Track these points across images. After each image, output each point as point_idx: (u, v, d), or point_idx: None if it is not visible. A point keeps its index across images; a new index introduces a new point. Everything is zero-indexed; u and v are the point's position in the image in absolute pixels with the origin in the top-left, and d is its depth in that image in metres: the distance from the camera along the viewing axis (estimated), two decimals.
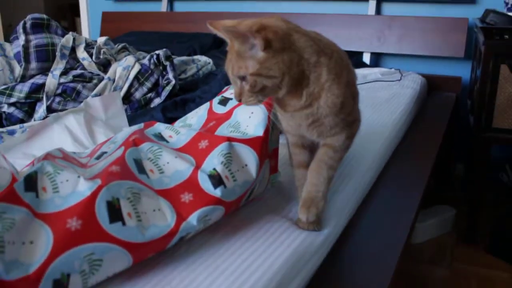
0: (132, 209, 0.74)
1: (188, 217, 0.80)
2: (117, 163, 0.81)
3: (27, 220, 0.69)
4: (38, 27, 1.60)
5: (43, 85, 1.51)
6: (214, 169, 0.84)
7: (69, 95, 1.51)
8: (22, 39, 1.56)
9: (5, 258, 0.61)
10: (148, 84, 1.57)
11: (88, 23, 3.38)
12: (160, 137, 0.97)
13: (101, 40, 1.67)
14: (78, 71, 1.56)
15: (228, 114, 1.01)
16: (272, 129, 0.96)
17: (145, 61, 1.59)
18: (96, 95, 1.51)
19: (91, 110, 1.36)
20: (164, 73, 1.57)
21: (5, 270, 0.60)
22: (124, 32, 3.06)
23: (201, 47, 2.55)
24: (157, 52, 1.58)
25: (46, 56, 1.57)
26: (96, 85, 1.55)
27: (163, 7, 3.07)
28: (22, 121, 1.51)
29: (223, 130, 0.98)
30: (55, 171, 0.78)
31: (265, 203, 1.00)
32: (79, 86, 1.52)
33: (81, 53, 1.61)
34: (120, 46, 1.81)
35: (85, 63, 1.60)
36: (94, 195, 0.72)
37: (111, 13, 3.22)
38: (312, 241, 0.90)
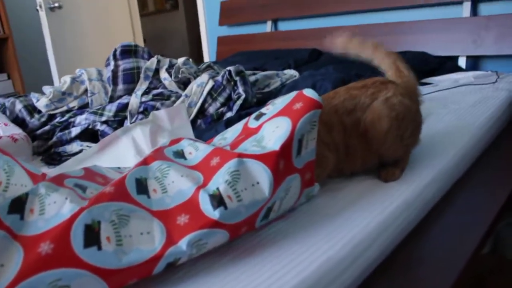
0: (113, 233, 0.65)
1: (179, 241, 0.66)
2: (114, 184, 0.73)
3: (3, 243, 0.60)
4: (126, 53, 1.59)
5: (128, 104, 1.46)
6: (217, 188, 0.71)
7: (150, 113, 1.44)
8: (112, 64, 1.56)
9: None
10: (221, 99, 1.45)
11: (208, 48, 3.41)
12: (181, 154, 0.84)
13: (180, 60, 1.60)
14: (158, 90, 1.51)
15: (258, 128, 0.86)
16: (306, 141, 0.81)
17: (219, 77, 1.48)
18: None
19: (158, 121, 1.28)
20: (235, 88, 1.43)
21: None
22: (235, 52, 3.01)
23: (295, 61, 2.39)
24: (229, 68, 1.45)
25: (132, 78, 1.54)
26: (174, 102, 1.48)
27: (268, 27, 2.95)
28: None
29: (247, 144, 0.83)
30: (47, 192, 0.68)
31: (294, 221, 0.80)
32: (158, 104, 1.45)
33: (163, 74, 1.56)
34: (205, 65, 1.72)
35: (166, 82, 1.54)
36: (73, 217, 0.64)
37: (224, 37, 3.20)
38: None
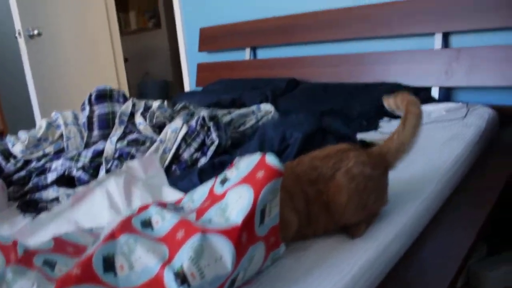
0: None
1: None
2: (81, 264, 0.75)
3: None
4: (101, 98, 1.61)
5: (103, 150, 1.48)
6: (181, 265, 0.73)
7: (125, 159, 1.46)
8: (87, 110, 1.58)
9: None
10: (195, 145, 1.48)
11: (188, 74, 3.44)
12: (148, 223, 0.86)
13: (155, 104, 1.62)
14: (133, 136, 1.53)
15: (222, 196, 0.88)
16: (269, 209, 0.85)
17: (193, 122, 1.50)
18: None
19: (132, 172, 1.30)
20: (209, 133, 1.46)
21: None
22: (215, 79, 3.04)
23: (273, 92, 2.42)
24: (202, 113, 1.48)
25: (107, 124, 1.56)
26: (148, 147, 1.50)
27: (247, 55, 3.00)
28: (88, 182, 1.49)
29: (211, 212, 0.86)
30: (14, 278, 0.69)
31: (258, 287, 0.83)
32: (133, 150, 1.48)
33: (138, 118, 1.58)
34: (180, 106, 1.74)
35: (141, 127, 1.56)
36: None
37: (204, 64, 3.23)
38: None
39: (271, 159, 0.88)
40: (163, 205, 0.95)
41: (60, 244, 0.87)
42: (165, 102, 1.69)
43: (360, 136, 1.73)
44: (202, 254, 0.75)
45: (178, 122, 1.51)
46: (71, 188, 1.49)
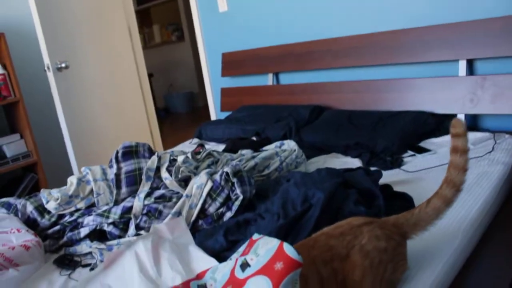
0: None
1: None
2: None
3: None
4: (127, 154, 1.67)
5: (131, 207, 1.54)
6: None
7: (153, 215, 1.52)
8: (114, 167, 1.64)
9: None
10: (220, 199, 1.52)
11: (212, 99, 3.49)
12: None
13: (180, 159, 1.67)
14: (160, 192, 1.58)
15: (243, 282, 0.91)
16: None
17: (217, 177, 1.55)
18: (176, 212, 1.50)
19: (159, 233, 1.36)
20: (233, 188, 1.50)
21: None
22: (239, 103, 3.09)
23: (296, 122, 2.44)
24: (226, 169, 1.52)
25: (134, 181, 1.61)
26: (175, 203, 1.55)
27: (269, 80, 3.02)
28: (119, 237, 1.55)
29: None
30: None
31: None
32: (160, 206, 1.53)
33: (164, 173, 1.63)
34: (205, 154, 1.79)
35: (167, 182, 1.61)
36: None
37: (227, 88, 3.28)
38: None
39: (290, 250, 0.91)
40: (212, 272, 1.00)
41: None
42: (189, 154, 1.74)
43: (384, 175, 1.74)
44: None
45: (203, 177, 1.55)
46: (103, 243, 1.56)
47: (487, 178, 1.59)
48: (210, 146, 2.70)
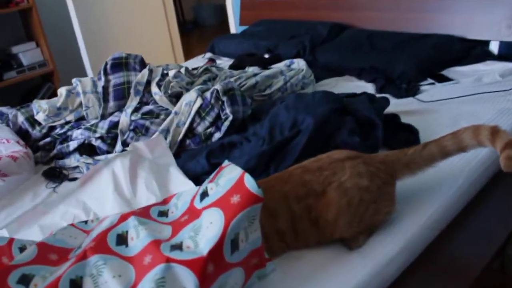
0: None
1: None
2: None
3: None
4: (117, 66, 1.57)
5: (118, 122, 1.47)
6: None
7: (140, 131, 1.45)
8: (102, 80, 1.55)
9: None
10: (209, 119, 1.43)
11: (232, 13, 3.29)
12: (123, 240, 0.85)
13: (171, 73, 1.55)
14: (148, 107, 1.50)
15: (199, 213, 0.84)
16: (245, 234, 0.82)
17: (208, 94, 1.43)
18: (164, 130, 1.43)
19: (138, 152, 1.30)
20: (223, 107, 1.39)
21: None
22: (258, 18, 2.89)
23: (312, 41, 2.25)
24: (216, 87, 1.40)
25: (122, 95, 1.53)
26: (163, 120, 1.47)
27: None
28: (108, 152, 1.50)
29: (186, 232, 0.85)
30: None
31: None
32: (147, 123, 1.46)
33: (154, 88, 1.54)
34: (202, 69, 1.66)
35: (156, 97, 1.52)
36: None
37: (247, 1, 3.06)
38: None
39: (250, 183, 0.82)
40: (145, 214, 0.94)
41: (44, 252, 0.89)
42: (183, 69, 1.62)
43: (396, 104, 1.58)
44: (163, 286, 0.73)
45: (192, 94, 1.44)
46: (91, 157, 1.51)
47: (508, 115, 1.41)
48: (222, 61, 2.56)
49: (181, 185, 1.22)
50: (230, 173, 0.88)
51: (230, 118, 1.40)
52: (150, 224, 0.89)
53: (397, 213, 1.01)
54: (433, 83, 1.76)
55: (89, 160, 1.49)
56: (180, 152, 1.43)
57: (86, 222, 1.06)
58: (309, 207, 0.92)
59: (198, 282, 0.74)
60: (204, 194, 0.89)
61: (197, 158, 1.30)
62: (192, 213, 0.88)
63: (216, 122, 1.44)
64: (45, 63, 3.32)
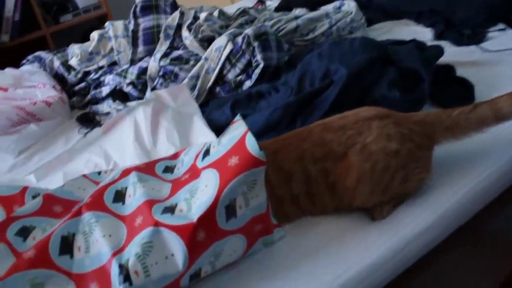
0: None
1: None
2: (37, 246, 0.75)
3: None
4: (147, 9, 1.49)
5: (147, 68, 1.41)
6: (127, 260, 0.69)
7: (169, 77, 1.39)
8: (132, 23, 1.48)
9: None
10: (240, 65, 1.33)
11: None
12: (121, 196, 0.81)
13: (202, 16, 1.44)
14: (178, 53, 1.43)
15: (198, 173, 0.78)
16: (245, 200, 0.74)
17: (239, 39, 1.32)
18: (193, 76, 1.36)
19: (161, 100, 1.26)
20: (255, 53, 1.28)
21: None
22: None
23: None
24: (247, 31, 1.29)
25: (152, 39, 1.46)
26: (193, 66, 1.39)
27: None
28: (139, 98, 1.46)
29: (183, 193, 0.79)
30: None
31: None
32: (176, 69, 1.39)
33: (184, 32, 1.45)
34: (239, 11, 1.54)
35: (187, 42, 1.44)
36: None
37: None
38: None
39: (252, 144, 0.73)
40: (148, 170, 0.88)
41: (48, 203, 0.86)
42: (216, 12, 1.50)
43: (454, 52, 1.38)
44: (150, 252, 0.69)
45: (223, 39, 1.33)
46: (123, 103, 1.48)
47: None
48: (272, 2, 2.39)
49: (202, 137, 1.15)
50: (234, 131, 0.79)
51: (261, 65, 1.28)
52: (150, 182, 0.84)
53: (433, 181, 0.87)
54: (503, 29, 1.52)
55: (121, 106, 1.46)
56: (210, 100, 1.35)
57: (99, 173, 1.03)
58: (327, 171, 0.81)
59: (187, 249, 0.69)
60: (207, 153, 0.81)
61: (222, 108, 1.21)
62: (193, 172, 0.81)
63: (247, 69, 1.33)
64: (100, 6, 3.31)
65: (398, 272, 0.80)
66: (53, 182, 1.15)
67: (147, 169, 0.88)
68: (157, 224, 0.71)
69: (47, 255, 0.73)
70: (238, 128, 0.78)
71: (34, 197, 0.93)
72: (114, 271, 0.69)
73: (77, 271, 0.73)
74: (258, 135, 1.05)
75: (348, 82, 1.03)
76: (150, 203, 0.76)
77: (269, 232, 0.79)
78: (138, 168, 0.87)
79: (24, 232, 0.80)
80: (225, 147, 0.76)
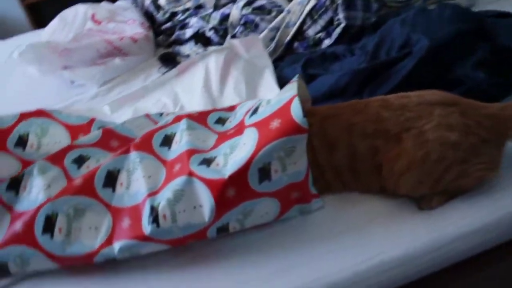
0: (65, 225, 0.76)
1: (115, 242, 0.74)
2: (85, 176, 0.81)
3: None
4: None
5: (230, 14, 1.40)
6: (159, 203, 0.73)
7: (250, 27, 1.37)
8: None
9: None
10: (321, 22, 1.27)
11: None
12: (168, 141, 0.85)
13: None
14: (260, 2, 1.40)
15: (243, 129, 0.78)
16: (282, 165, 0.73)
17: None
18: (274, 28, 1.33)
19: (234, 49, 1.25)
20: (337, 11, 1.21)
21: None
22: None
23: None
24: None
25: None
26: (274, 17, 1.35)
27: None
28: (220, 44, 1.47)
29: (224, 147, 0.80)
30: (38, 173, 0.82)
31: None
32: (257, 19, 1.36)
33: None
34: None
35: None
36: (39, 207, 0.77)
37: None
38: None
39: (296, 109, 0.70)
40: (200, 119, 0.89)
41: (106, 137, 0.92)
42: None
43: None
44: (180, 199, 0.72)
45: None
46: (204, 47, 1.49)
47: None
48: None
49: (269, 92, 1.13)
50: (285, 93, 0.77)
51: (343, 24, 1.21)
52: (198, 131, 0.85)
53: (498, 180, 0.78)
54: None
55: (200, 50, 1.47)
56: (286, 55, 1.32)
57: (161, 114, 1.06)
58: (375, 149, 0.76)
59: (215, 203, 0.70)
60: (255, 110, 0.80)
61: (294, 65, 1.17)
62: (239, 128, 0.81)
63: (329, 27, 1.26)
64: None
65: (433, 269, 0.74)
66: (123, 116, 1.22)
67: (199, 118, 0.89)
68: (191, 174, 0.72)
69: (92, 185, 0.78)
70: (289, 91, 0.76)
71: (99, 129, 0.99)
72: (146, 211, 0.73)
73: (115, 205, 0.78)
74: (322, 99, 1.02)
75: (427, 55, 0.94)
76: (190, 152, 0.77)
77: (306, 201, 0.77)
78: (190, 116, 0.88)
79: (80, 161, 0.86)
80: (272, 108, 0.75)
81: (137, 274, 0.76)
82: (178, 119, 0.88)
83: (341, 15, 1.21)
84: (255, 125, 0.75)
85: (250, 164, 0.69)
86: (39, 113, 0.96)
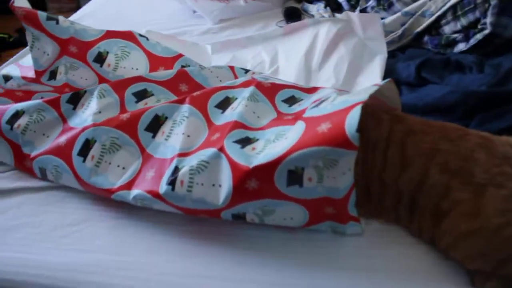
0: (98, 154, 0.77)
1: (133, 189, 0.73)
2: (133, 113, 0.79)
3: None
4: None
5: None
6: (183, 167, 0.69)
7: (383, 4, 1.22)
8: None
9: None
10: (464, 21, 1.07)
11: None
12: (226, 104, 0.83)
13: None
14: None
15: (297, 120, 0.69)
16: (319, 175, 0.63)
17: None
18: (408, 13, 1.17)
19: (351, 24, 1.14)
20: (487, 14, 1.01)
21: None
22: None
23: None
24: None
25: None
26: (414, 1, 1.17)
27: None
28: (348, 11, 1.34)
29: (271, 132, 0.72)
30: (98, 95, 0.83)
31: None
32: None
33: None
34: None
35: None
36: (83, 129, 0.78)
37: None
38: None
39: (352, 119, 0.57)
40: (270, 92, 0.80)
41: (178, 79, 0.89)
42: None
43: None
44: (202, 171, 0.67)
45: None
46: (331, 12, 1.38)
47: None
48: None
49: (369, 82, 1.00)
50: (356, 95, 0.64)
51: (487, 31, 1.00)
52: (259, 104, 0.77)
53: None
54: None
55: (326, 14, 1.36)
56: (410, 47, 1.15)
57: (246, 71, 0.99)
58: (448, 189, 0.61)
59: (232, 189, 0.63)
60: (317, 105, 0.69)
61: (409, 62, 1.01)
62: (296, 117, 0.71)
63: (469, 30, 1.06)
64: None
65: None
66: (221, 60, 1.18)
67: (268, 90, 0.81)
68: (221, 149, 0.66)
69: (136, 125, 0.77)
70: (360, 94, 0.63)
71: (183, 66, 0.96)
72: (170, 169, 0.69)
73: (149, 152, 0.75)
74: (422, 110, 0.87)
75: None
76: (235, 125, 0.71)
77: (341, 221, 0.67)
78: (259, 85, 0.80)
79: (141, 95, 0.84)
80: (333, 108, 0.63)
81: (147, 228, 0.74)
82: (247, 84, 0.81)
83: (488, 20, 1.00)
84: (307, 120, 0.65)
85: (280, 163, 0.60)
86: (126, 35, 0.95)
